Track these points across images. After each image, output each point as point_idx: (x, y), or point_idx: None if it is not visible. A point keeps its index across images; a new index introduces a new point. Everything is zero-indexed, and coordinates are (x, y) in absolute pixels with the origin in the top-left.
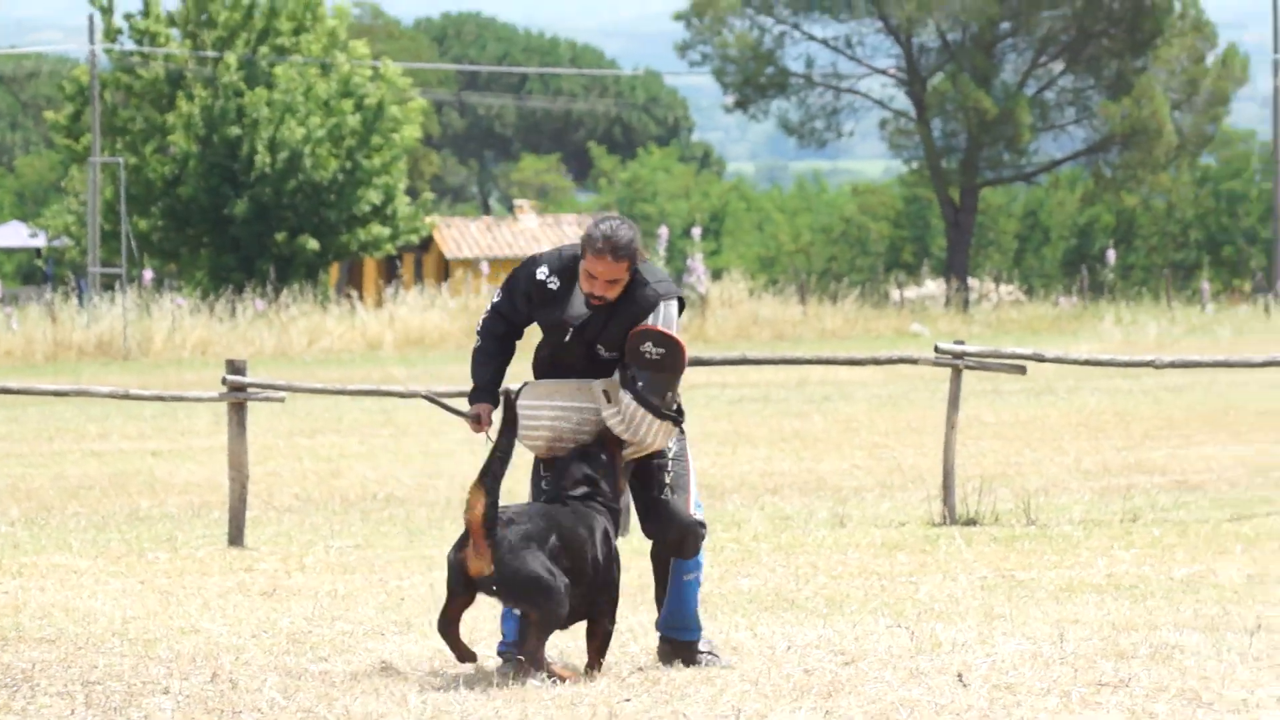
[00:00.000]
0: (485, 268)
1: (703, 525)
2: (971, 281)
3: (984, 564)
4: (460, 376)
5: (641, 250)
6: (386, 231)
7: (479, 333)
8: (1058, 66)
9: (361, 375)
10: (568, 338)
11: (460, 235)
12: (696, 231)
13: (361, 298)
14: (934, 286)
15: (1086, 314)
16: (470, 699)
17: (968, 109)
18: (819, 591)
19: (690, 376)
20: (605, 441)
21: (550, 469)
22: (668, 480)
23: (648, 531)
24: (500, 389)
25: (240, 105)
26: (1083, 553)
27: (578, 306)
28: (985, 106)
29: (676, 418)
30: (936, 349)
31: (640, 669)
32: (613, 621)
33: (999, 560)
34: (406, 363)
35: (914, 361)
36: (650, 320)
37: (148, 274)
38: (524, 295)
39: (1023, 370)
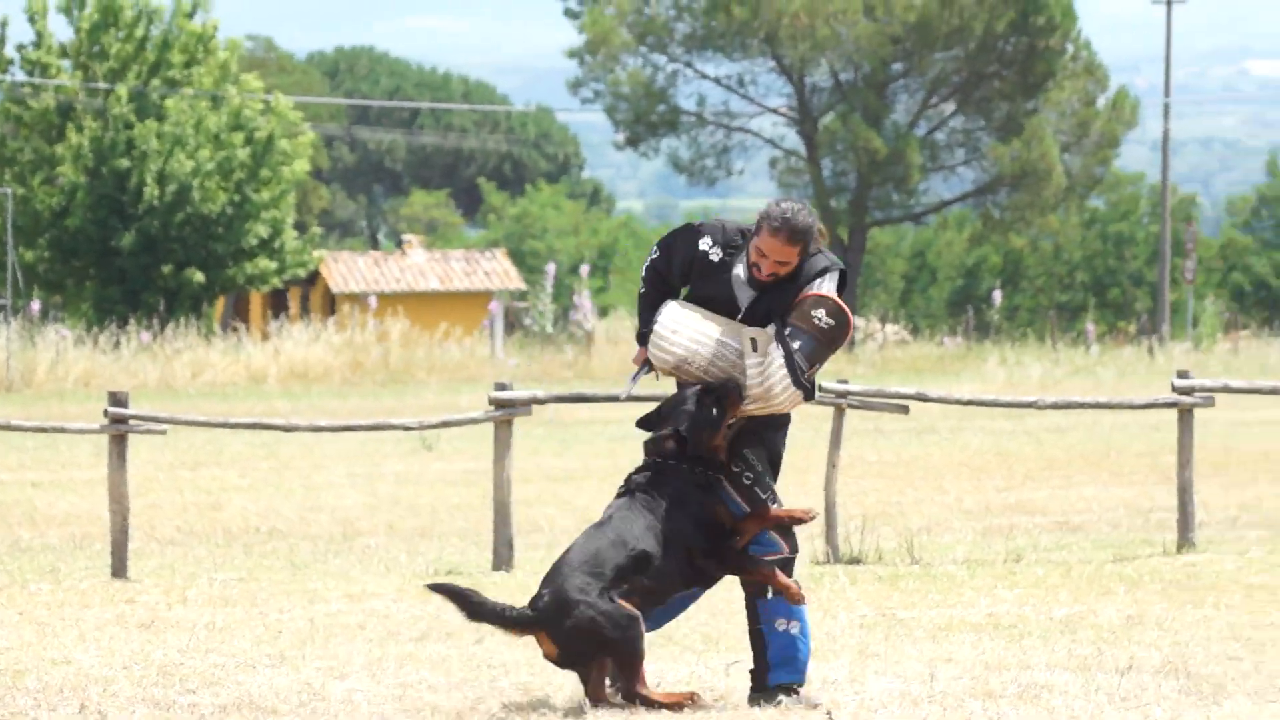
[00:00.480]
0: (373, 302)
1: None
2: (858, 321)
3: (866, 602)
4: (344, 411)
5: (817, 237)
6: (273, 265)
7: (644, 279)
8: (949, 107)
9: (244, 409)
10: (739, 318)
11: (347, 269)
12: (584, 269)
13: (248, 331)
14: None
15: (971, 354)
16: None
17: (858, 149)
18: (697, 629)
19: (573, 412)
20: (726, 393)
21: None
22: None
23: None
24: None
25: (130, 137)
26: (966, 592)
27: (740, 284)
28: (876, 146)
29: (809, 391)
30: (820, 388)
31: (512, 705)
32: (757, 567)
33: (882, 599)
34: (290, 396)
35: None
36: (819, 286)
37: (34, 305)
38: (682, 263)
39: (906, 410)
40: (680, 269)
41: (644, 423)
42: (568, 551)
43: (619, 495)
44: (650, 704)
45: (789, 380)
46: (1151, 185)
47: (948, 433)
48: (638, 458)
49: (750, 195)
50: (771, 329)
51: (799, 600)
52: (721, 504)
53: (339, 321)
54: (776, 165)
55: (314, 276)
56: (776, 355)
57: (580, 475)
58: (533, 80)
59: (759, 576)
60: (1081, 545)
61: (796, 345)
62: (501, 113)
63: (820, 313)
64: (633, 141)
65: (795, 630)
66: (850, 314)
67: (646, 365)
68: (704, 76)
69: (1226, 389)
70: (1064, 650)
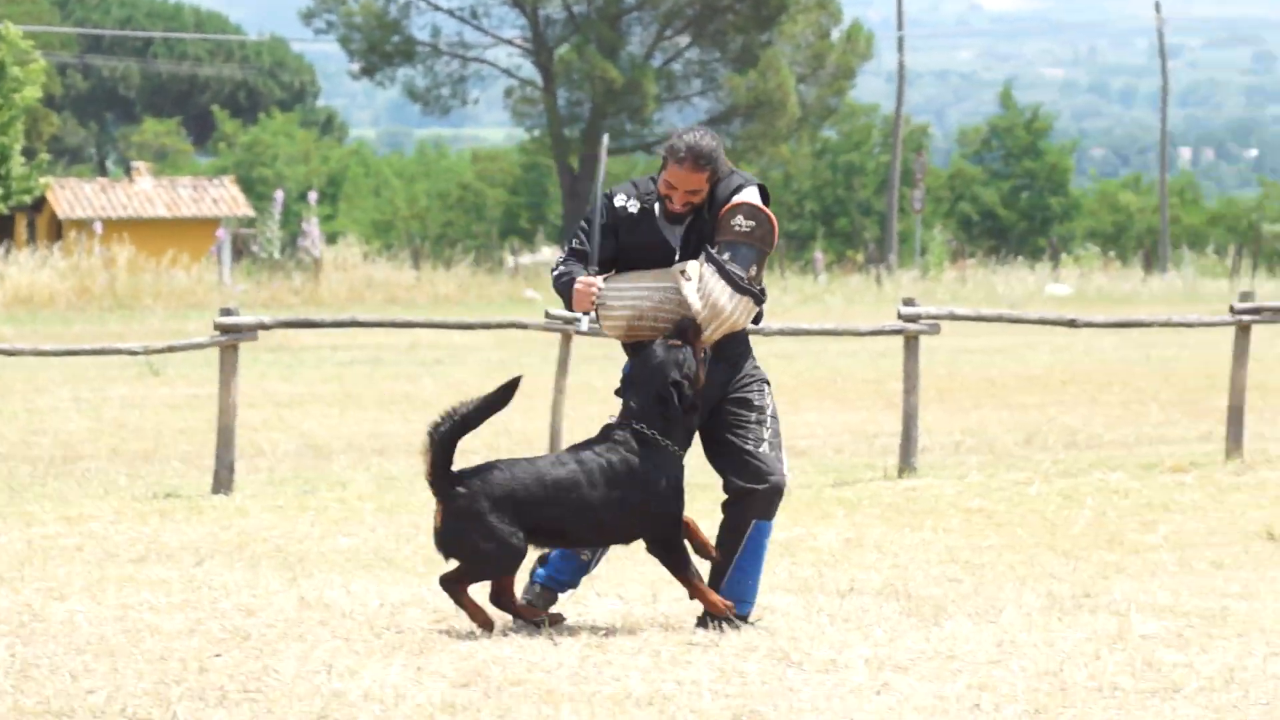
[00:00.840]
0: (99, 228)
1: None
2: None
3: None
4: (70, 336)
5: (724, 160)
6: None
7: (556, 273)
8: (684, 39)
9: None
10: (678, 256)
11: (74, 196)
12: (313, 196)
13: None
14: (549, 253)
15: None
16: (59, 652)
17: (594, 79)
18: (418, 551)
19: (300, 338)
20: (684, 331)
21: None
22: (766, 435)
23: (735, 486)
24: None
25: None
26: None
27: (665, 224)
28: (611, 77)
29: (757, 295)
30: (547, 314)
31: (232, 627)
32: (671, 549)
33: None
34: (15, 322)
35: (524, 326)
36: (736, 199)
37: None
38: (605, 229)
39: None
40: (609, 233)
41: (621, 389)
42: (526, 463)
43: (597, 442)
44: (459, 600)
45: (729, 290)
46: (885, 116)
47: None
48: (365, 382)
49: (485, 125)
50: (701, 256)
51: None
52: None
53: (65, 248)
54: (512, 95)
55: (40, 203)
56: (708, 272)
57: (307, 400)
58: (268, 9)
59: (688, 586)
60: (804, 470)
61: (726, 255)
62: (235, 42)
63: (739, 219)
64: (368, 71)
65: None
66: (769, 213)
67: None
68: (437, 8)
69: (952, 316)
70: (785, 573)
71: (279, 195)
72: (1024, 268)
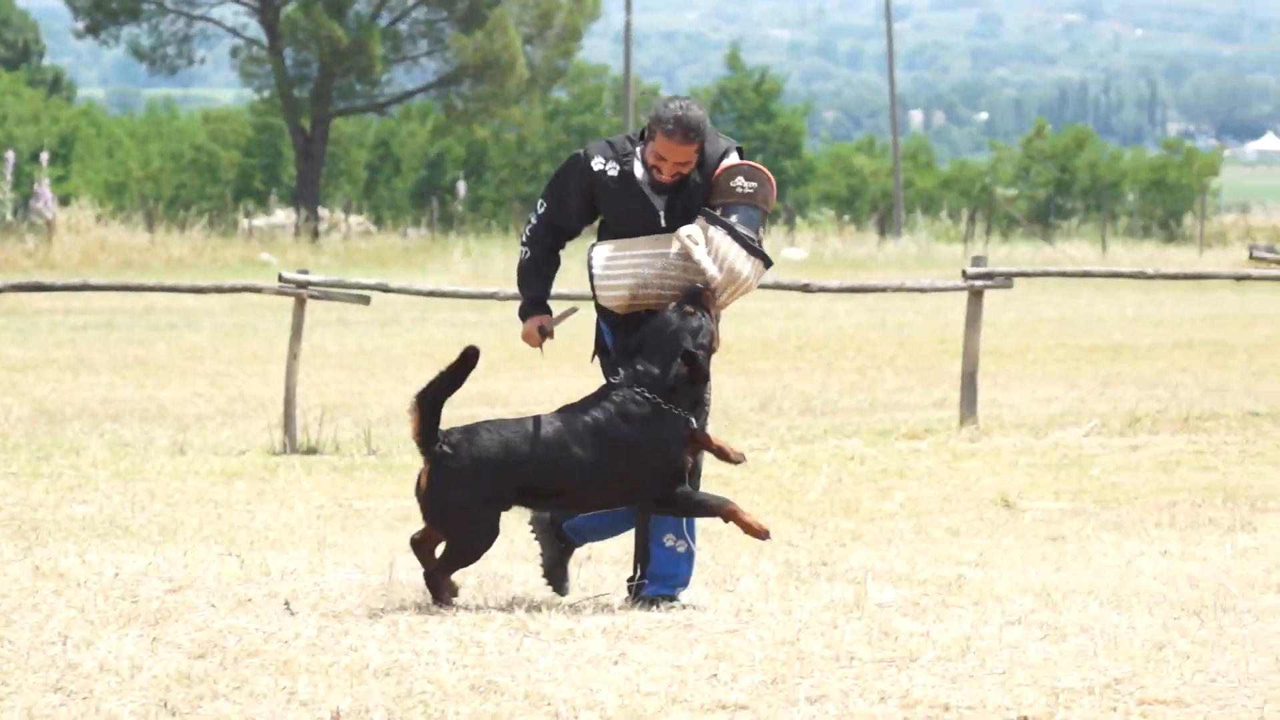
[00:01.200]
0: None
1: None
2: (322, 211)
3: (322, 493)
4: None
5: (710, 128)
6: None
7: (525, 244)
8: None
9: None
10: (663, 223)
11: None
12: (44, 157)
13: None
14: (283, 216)
15: (436, 246)
16: None
17: (320, 38)
18: (154, 519)
19: (33, 301)
20: (696, 297)
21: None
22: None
23: None
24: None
25: None
26: None
27: (649, 192)
28: (338, 36)
29: (768, 257)
30: (281, 278)
31: None
32: (676, 504)
33: (338, 490)
34: None
35: (258, 290)
36: (727, 161)
37: None
38: (579, 193)
39: (367, 300)
40: (581, 201)
41: (623, 355)
42: (518, 424)
43: (597, 402)
44: (438, 593)
45: (744, 253)
46: (615, 78)
47: (411, 324)
48: (98, 347)
49: (212, 85)
50: (701, 220)
51: (763, 536)
52: (690, 454)
53: None
54: (239, 55)
55: None
56: (719, 236)
57: (39, 364)
58: None
59: (721, 516)
60: None
61: (733, 218)
62: None
63: (739, 180)
64: (92, 29)
65: (681, 549)
66: (767, 171)
67: (546, 334)
68: None
69: None
70: (524, 543)
71: (10, 156)
72: None
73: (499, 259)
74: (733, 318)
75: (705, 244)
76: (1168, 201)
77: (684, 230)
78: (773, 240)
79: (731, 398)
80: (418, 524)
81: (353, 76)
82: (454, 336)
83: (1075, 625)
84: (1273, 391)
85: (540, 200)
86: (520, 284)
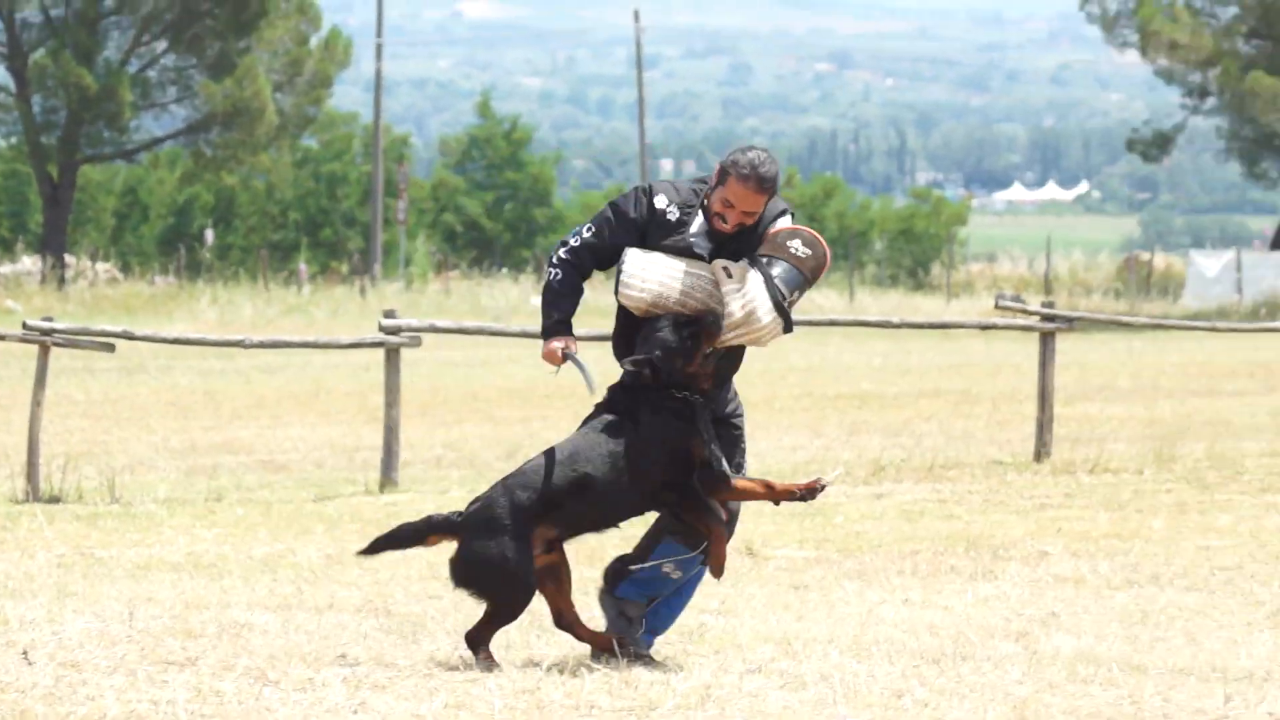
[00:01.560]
0: None
1: None
2: (69, 259)
3: (64, 542)
4: None
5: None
6: None
7: (557, 266)
8: (161, 45)
9: None
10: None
11: None
12: None
13: None
14: (30, 263)
15: (184, 293)
16: None
17: (69, 85)
18: None
19: None
20: (702, 320)
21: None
22: (740, 460)
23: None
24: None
25: None
26: (165, 531)
27: (700, 237)
28: (87, 83)
29: (790, 321)
30: (25, 325)
31: None
32: (714, 519)
33: (80, 538)
34: None
35: (2, 338)
36: (781, 225)
37: None
38: (633, 225)
39: (111, 348)
40: (634, 234)
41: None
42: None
43: (595, 413)
44: (479, 654)
45: (770, 304)
46: (365, 125)
47: (157, 371)
48: None
49: None
50: (744, 261)
51: (717, 574)
52: (698, 435)
53: None
54: None
55: None
56: (755, 278)
57: None
58: None
59: (707, 529)
60: (285, 484)
61: (776, 271)
62: None
63: (796, 243)
64: None
65: (675, 576)
66: (826, 246)
67: (566, 358)
68: None
69: (433, 329)
70: (265, 589)
71: None
72: (508, 280)
73: (246, 306)
74: (480, 366)
75: (740, 281)
76: (915, 251)
77: (722, 262)
78: (520, 288)
79: (478, 445)
80: (160, 573)
81: (101, 123)
82: (200, 384)
83: (815, 674)
84: (1016, 440)
85: (588, 225)
86: (548, 303)
